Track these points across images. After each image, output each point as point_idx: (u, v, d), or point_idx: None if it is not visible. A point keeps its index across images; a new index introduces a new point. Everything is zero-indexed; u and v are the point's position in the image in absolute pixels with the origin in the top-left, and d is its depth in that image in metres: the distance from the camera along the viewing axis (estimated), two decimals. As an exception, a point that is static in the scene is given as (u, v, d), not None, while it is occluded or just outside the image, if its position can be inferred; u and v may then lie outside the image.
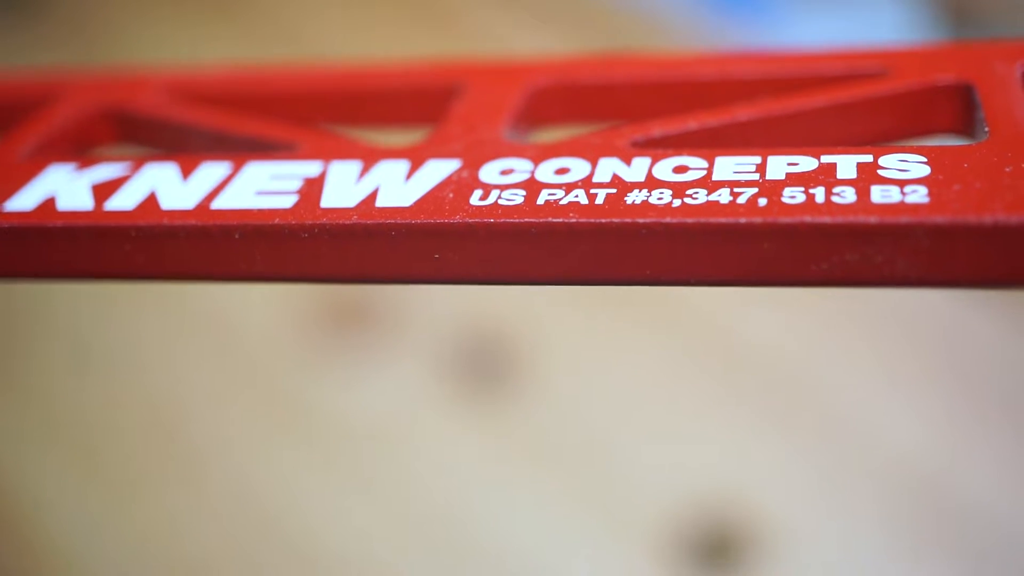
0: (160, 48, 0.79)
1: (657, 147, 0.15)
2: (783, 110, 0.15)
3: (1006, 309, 0.54)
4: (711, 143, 0.15)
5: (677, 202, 0.13)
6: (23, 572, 0.52)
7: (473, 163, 0.15)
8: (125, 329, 0.62)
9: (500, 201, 0.14)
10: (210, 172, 0.16)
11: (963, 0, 0.65)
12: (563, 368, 0.56)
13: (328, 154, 0.16)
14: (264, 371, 0.58)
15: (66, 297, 0.62)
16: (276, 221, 0.14)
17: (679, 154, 0.14)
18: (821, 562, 0.48)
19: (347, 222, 0.14)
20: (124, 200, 0.15)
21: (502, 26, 0.75)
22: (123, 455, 0.56)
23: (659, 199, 0.13)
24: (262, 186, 0.15)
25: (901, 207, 0.12)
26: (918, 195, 0.12)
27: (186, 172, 0.16)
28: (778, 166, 0.14)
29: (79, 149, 0.19)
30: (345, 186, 0.15)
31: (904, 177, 0.13)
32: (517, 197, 0.14)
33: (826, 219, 0.12)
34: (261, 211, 0.15)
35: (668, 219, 0.13)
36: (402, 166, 0.15)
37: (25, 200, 0.16)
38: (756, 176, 0.13)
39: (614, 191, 0.14)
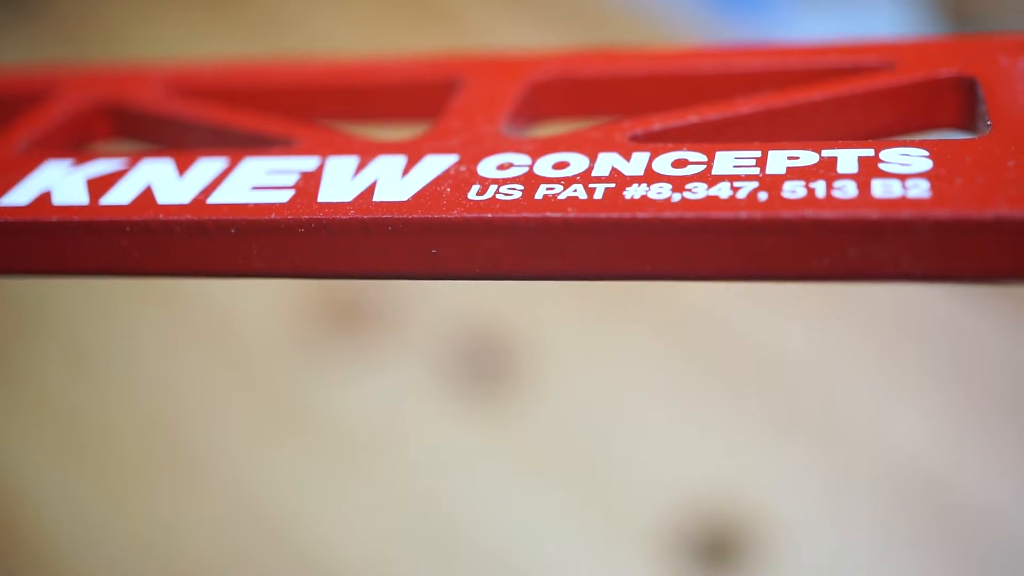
0: (157, 45, 0.78)
1: (656, 141, 0.15)
2: (784, 103, 0.15)
3: (1009, 311, 0.54)
4: (711, 137, 0.15)
5: (676, 197, 0.13)
6: (22, 572, 0.52)
7: (471, 158, 0.15)
8: (123, 330, 0.62)
9: (498, 196, 0.14)
10: (206, 167, 0.16)
11: (963, -2, 0.65)
12: (563, 368, 0.55)
13: (325, 149, 0.16)
14: (263, 371, 0.58)
15: (64, 297, 0.62)
16: (272, 216, 0.14)
17: (679, 148, 0.14)
18: (821, 563, 0.48)
19: (344, 217, 0.14)
20: (120, 195, 0.15)
21: (500, 23, 0.75)
22: (121, 455, 0.56)
23: (658, 194, 0.13)
24: (258, 181, 0.15)
25: (903, 202, 0.12)
26: (920, 189, 0.12)
27: (182, 167, 0.16)
28: (779, 160, 0.13)
29: (76, 144, 0.19)
30: (342, 181, 0.15)
31: (906, 171, 0.13)
32: (515, 192, 0.14)
33: (827, 214, 0.12)
34: (257, 206, 0.15)
35: (667, 214, 0.13)
36: (399, 161, 0.15)
37: (21, 195, 0.16)
38: (756, 170, 0.13)
39: (613, 185, 0.14)
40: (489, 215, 0.13)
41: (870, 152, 0.13)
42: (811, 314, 0.55)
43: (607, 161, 0.14)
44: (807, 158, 0.13)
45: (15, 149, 0.17)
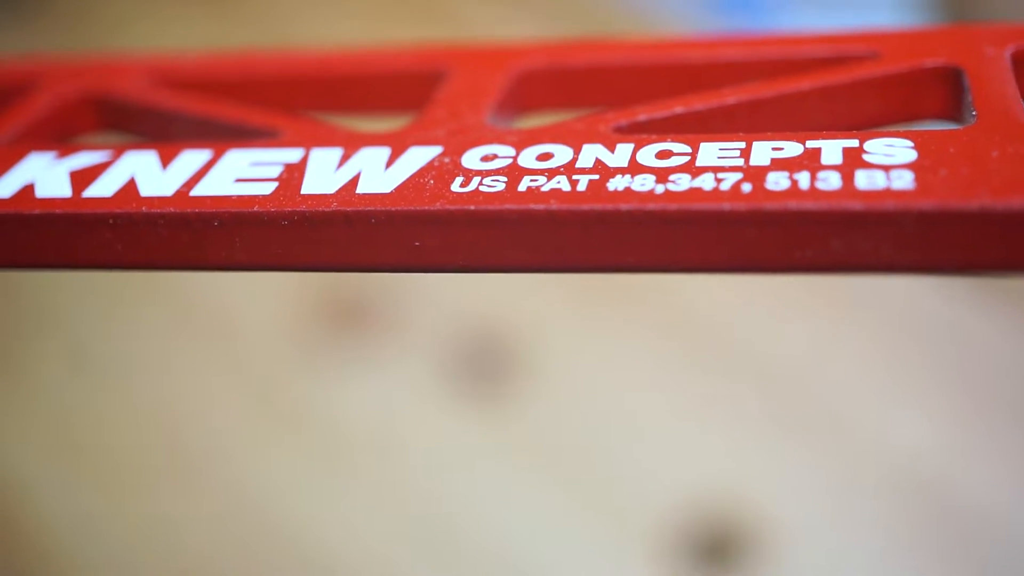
0: (154, 41, 0.78)
1: (641, 132, 0.15)
2: (769, 93, 0.15)
3: (1013, 314, 0.54)
4: (696, 128, 0.15)
5: (660, 188, 0.13)
6: (22, 570, 0.52)
7: (455, 149, 0.15)
8: (123, 328, 0.61)
9: (481, 188, 0.14)
10: (190, 159, 0.16)
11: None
12: (563, 367, 0.55)
13: (309, 140, 0.16)
14: (263, 370, 0.58)
15: (64, 296, 0.62)
16: (255, 208, 0.14)
17: (663, 140, 0.14)
18: (821, 563, 0.48)
19: (326, 209, 0.14)
20: (103, 188, 0.15)
21: (495, 19, 0.75)
22: (121, 454, 0.56)
23: (642, 185, 0.13)
24: (242, 173, 0.15)
25: (887, 193, 0.12)
26: (904, 180, 0.12)
27: (166, 159, 0.16)
28: (763, 151, 0.13)
29: (60, 136, 0.19)
30: (326, 173, 0.15)
31: (890, 162, 0.13)
32: (498, 184, 0.14)
33: (810, 205, 0.12)
34: (240, 198, 0.14)
35: (650, 205, 0.13)
36: (383, 153, 0.15)
37: (3, 188, 0.16)
38: (740, 161, 0.13)
39: (596, 177, 0.13)
40: (472, 207, 0.13)
41: (854, 143, 0.13)
42: (812, 314, 0.55)
43: (591, 152, 0.14)
44: (791, 149, 0.13)
45: (-2, 141, 0.17)
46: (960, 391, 0.52)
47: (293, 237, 0.14)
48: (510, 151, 0.14)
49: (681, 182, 0.13)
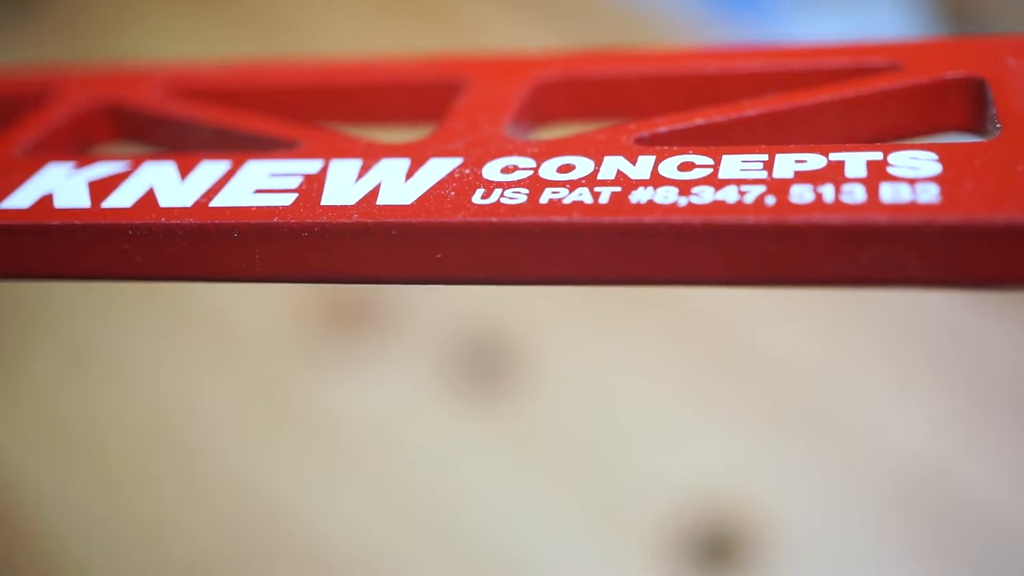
0: (155, 45, 0.78)
1: (663, 144, 0.15)
2: (790, 105, 0.15)
3: (1013, 312, 0.53)
4: (717, 139, 0.15)
5: (683, 201, 0.13)
6: (23, 567, 0.52)
7: (475, 161, 0.15)
8: (122, 327, 0.61)
9: (503, 200, 0.14)
10: (209, 170, 0.16)
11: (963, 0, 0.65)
12: (563, 368, 0.55)
13: (328, 152, 0.16)
14: (263, 370, 0.58)
15: (63, 296, 0.62)
16: (275, 220, 0.14)
17: (685, 151, 0.14)
18: (821, 563, 0.47)
19: (347, 221, 0.14)
20: (122, 198, 0.15)
21: (497, 21, 0.75)
22: (121, 452, 0.56)
23: (664, 198, 0.13)
24: (261, 184, 0.15)
25: (912, 206, 0.12)
26: (929, 194, 0.12)
27: (185, 170, 0.16)
28: (786, 164, 0.13)
29: (77, 146, 0.19)
30: (345, 184, 0.15)
31: (915, 175, 0.13)
32: (520, 195, 0.14)
33: (835, 219, 0.12)
34: (260, 209, 0.14)
35: (673, 218, 0.13)
36: (403, 164, 0.15)
37: (22, 198, 0.16)
38: (764, 174, 0.13)
39: (618, 189, 0.13)
40: (494, 219, 0.13)
41: (878, 155, 0.13)
42: (813, 314, 0.55)
43: (612, 164, 0.14)
44: (815, 161, 0.13)
45: (16, 152, 0.17)
46: (961, 390, 0.52)
47: (313, 249, 0.14)
48: (531, 163, 0.14)
49: (704, 195, 0.13)
